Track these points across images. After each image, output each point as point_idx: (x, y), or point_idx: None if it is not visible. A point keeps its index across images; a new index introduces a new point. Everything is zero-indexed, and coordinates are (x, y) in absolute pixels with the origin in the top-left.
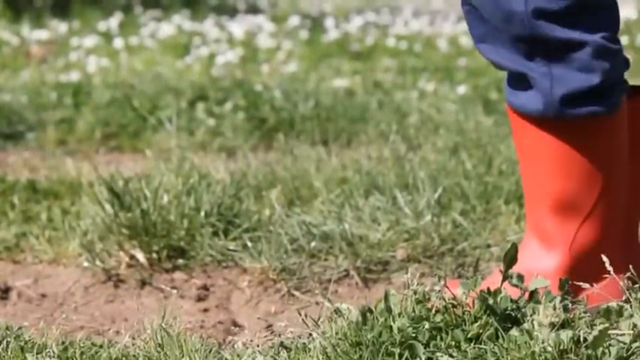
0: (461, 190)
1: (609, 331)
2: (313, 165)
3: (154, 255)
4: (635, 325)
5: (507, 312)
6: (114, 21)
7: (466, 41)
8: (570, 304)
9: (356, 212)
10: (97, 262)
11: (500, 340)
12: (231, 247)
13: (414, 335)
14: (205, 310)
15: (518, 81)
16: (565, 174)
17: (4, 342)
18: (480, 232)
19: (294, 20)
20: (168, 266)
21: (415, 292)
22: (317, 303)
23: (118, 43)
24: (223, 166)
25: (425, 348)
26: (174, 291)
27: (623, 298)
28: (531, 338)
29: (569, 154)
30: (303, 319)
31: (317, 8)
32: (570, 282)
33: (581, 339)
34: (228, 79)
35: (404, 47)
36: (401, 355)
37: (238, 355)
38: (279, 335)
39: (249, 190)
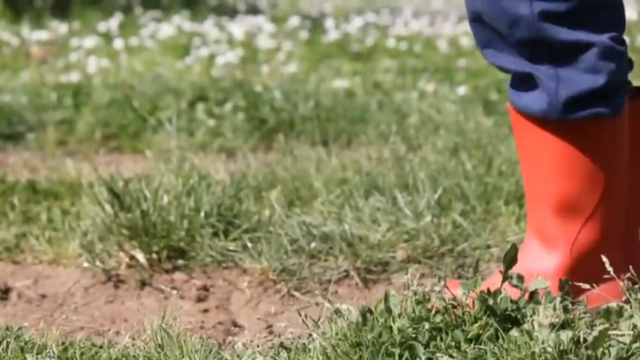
0: (461, 191)
1: (609, 332)
2: (313, 166)
3: (154, 255)
4: (635, 326)
5: (507, 312)
6: (114, 22)
7: (466, 42)
8: (570, 305)
9: (356, 213)
10: (97, 263)
11: (500, 341)
12: (231, 248)
13: (414, 336)
14: (205, 311)
15: (523, 81)
16: (567, 175)
17: (4, 342)
18: (480, 233)
19: (294, 21)
20: (168, 267)
21: (415, 293)
22: (317, 304)
23: (118, 43)
24: (223, 167)
25: (425, 348)
26: (174, 291)
27: (623, 299)
28: (531, 339)
29: (571, 155)
30: (303, 320)
31: (317, 9)
32: (570, 282)
33: (581, 339)
34: (228, 80)
35: (404, 48)
36: (401, 356)
37: (238, 356)
38: (279, 336)
39: (249, 191)
